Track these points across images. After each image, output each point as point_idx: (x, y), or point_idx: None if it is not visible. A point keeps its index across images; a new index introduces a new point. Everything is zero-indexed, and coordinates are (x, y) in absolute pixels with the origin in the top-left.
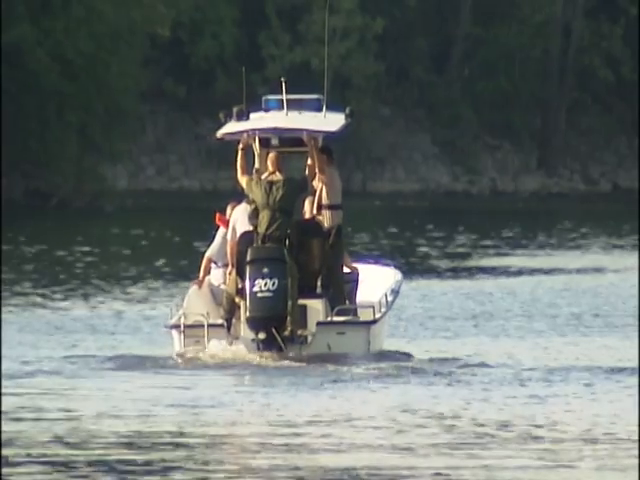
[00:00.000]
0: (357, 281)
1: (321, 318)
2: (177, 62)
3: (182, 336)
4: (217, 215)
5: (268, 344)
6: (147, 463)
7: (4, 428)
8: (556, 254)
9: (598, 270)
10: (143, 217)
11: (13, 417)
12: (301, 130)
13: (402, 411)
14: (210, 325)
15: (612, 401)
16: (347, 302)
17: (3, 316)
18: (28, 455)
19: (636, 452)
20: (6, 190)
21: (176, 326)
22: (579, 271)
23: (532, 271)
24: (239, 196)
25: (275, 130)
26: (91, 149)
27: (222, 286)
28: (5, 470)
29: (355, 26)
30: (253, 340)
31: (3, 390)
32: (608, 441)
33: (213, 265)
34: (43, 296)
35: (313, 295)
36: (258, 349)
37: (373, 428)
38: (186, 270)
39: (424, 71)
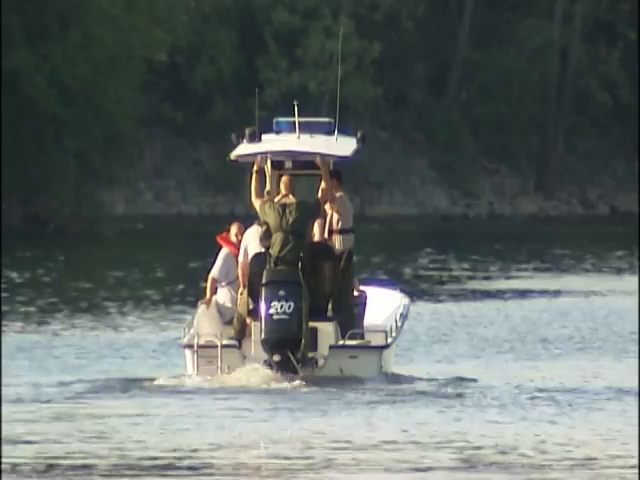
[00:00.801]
0: (365, 304)
1: (332, 341)
2: (175, 87)
3: (195, 356)
4: (218, 236)
5: (283, 366)
6: None
7: (13, 450)
8: (554, 277)
9: (596, 293)
10: (141, 242)
11: (18, 441)
12: (315, 154)
13: (406, 433)
14: (224, 346)
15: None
16: (356, 326)
17: (7, 340)
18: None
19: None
20: (4, 216)
21: (189, 346)
22: (577, 294)
23: (530, 294)
24: (240, 218)
25: (289, 153)
26: (89, 174)
27: (227, 304)
28: None
29: (352, 50)
30: (265, 361)
31: (18, 415)
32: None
33: (217, 285)
34: (43, 323)
35: (324, 318)
36: (271, 370)
37: (379, 450)
38: (184, 293)
39: (422, 95)
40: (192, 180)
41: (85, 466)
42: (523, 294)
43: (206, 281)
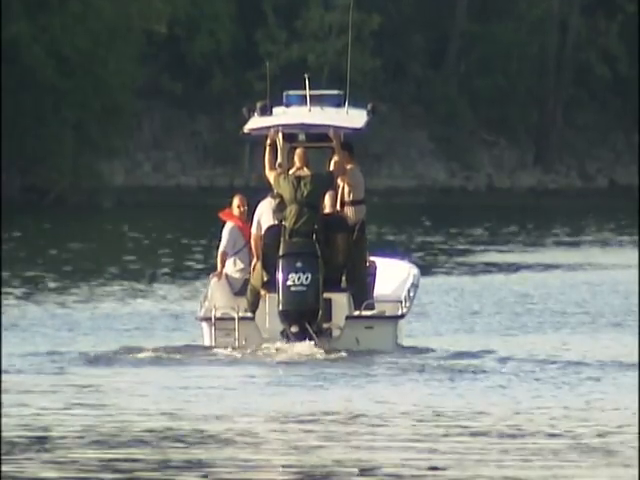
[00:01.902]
0: (374, 275)
1: (346, 312)
2: (174, 59)
3: (213, 328)
4: (221, 212)
5: (300, 337)
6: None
7: (24, 423)
8: (553, 250)
9: (596, 266)
10: (140, 214)
11: (32, 413)
12: (328, 126)
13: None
14: (240, 318)
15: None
16: (371, 297)
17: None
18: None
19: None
20: (3, 186)
21: (207, 319)
22: (576, 267)
23: (529, 267)
24: (240, 190)
25: (302, 126)
26: (88, 145)
27: (234, 275)
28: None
29: (351, 22)
30: (282, 332)
31: (29, 387)
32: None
33: (231, 260)
34: (44, 292)
35: (338, 289)
36: (287, 341)
37: (389, 425)
38: (185, 267)
39: (421, 67)
40: (191, 152)
41: (82, 437)
42: (522, 267)
43: (216, 257)
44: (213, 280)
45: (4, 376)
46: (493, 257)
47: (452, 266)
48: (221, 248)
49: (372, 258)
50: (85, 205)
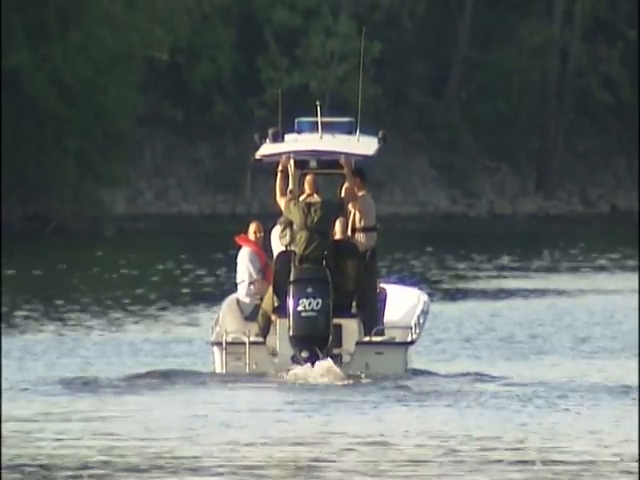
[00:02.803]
0: (384, 301)
1: (356, 338)
2: (175, 86)
3: (224, 353)
4: (237, 237)
5: (311, 361)
6: None
7: (22, 446)
8: (555, 276)
9: (598, 292)
10: (142, 241)
11: (33, 438)
12: (339, 153)
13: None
14: (251, 343)
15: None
16: (381, 323)
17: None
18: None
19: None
20: (4, 215)
21: (217, 343)
22: (578, 293)
23: (531, 293)
24: (241, 217)
25: (314, 152)
26: (89, 174)
27: (244, 299)
28: None
29: (352, 49)
30: (293, 357)
31: (33, 410)
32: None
33: (243, 285)
34: (52, 319)
35: (348, 315)
36: (300, 365)
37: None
38: (185, 295)
39: (422, 94)
40: (192, 179)
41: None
42: (524, 293)
43: (235, 281)
44: (224, 305)
45: (10, 403)
46: (495, 283)
47: (455, 292)
48: (239, 274)
49: (382, 285)
50: (87, 233)
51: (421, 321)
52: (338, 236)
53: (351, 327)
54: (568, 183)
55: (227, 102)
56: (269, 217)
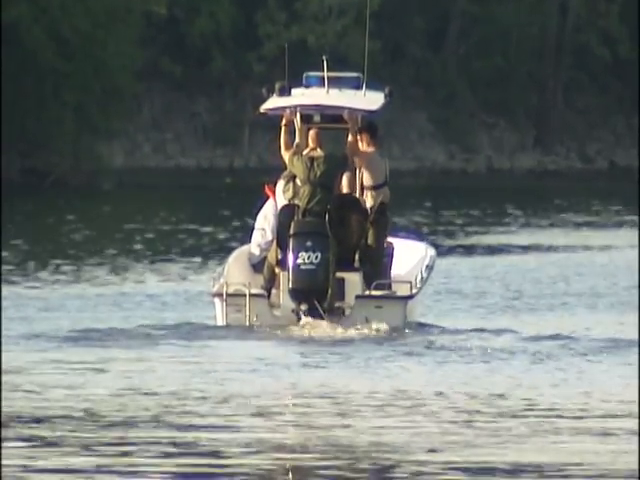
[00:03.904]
0: (392, 255)
1: (358, 291)
2: (173, 41)
3: (224, 304)
4: (267, 185)
5: (310, 314)
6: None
7: (27, 398)
8: (554, 232)
9: (597, 247)
10: (141, 195)
11: (39, 390)
12: (343, 108)
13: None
14: (252, 295)
15: None
16: (384, 277)
17: (12, 291)
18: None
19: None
20: (3, 169)
21: (218, 295)
22: (576, 249)
23: (530, 249)
24: (239, 171)
25: (317, 107)
26: (88, 127)
27: (253, 250)
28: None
29: (351, 3)
30: (293, 310)
31: (36, 365)
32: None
33: (258, 233)
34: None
35: (351, 268)
36: (298, 319)
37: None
38: (191, 247)
39: (420, 49)
40: (190, 133)
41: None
42: (523, 249)
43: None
44: (232, 256)
45: (11, 354)
46: (493, 239)
47: (454, 247)
48: (258, 222)
49: (389, 239)
50: (85, 187)
51: (424, 275)
52: (345, 190)
53: (353, 281)
54: (566, 139)
55: (225, 57)
56: (266, 171)
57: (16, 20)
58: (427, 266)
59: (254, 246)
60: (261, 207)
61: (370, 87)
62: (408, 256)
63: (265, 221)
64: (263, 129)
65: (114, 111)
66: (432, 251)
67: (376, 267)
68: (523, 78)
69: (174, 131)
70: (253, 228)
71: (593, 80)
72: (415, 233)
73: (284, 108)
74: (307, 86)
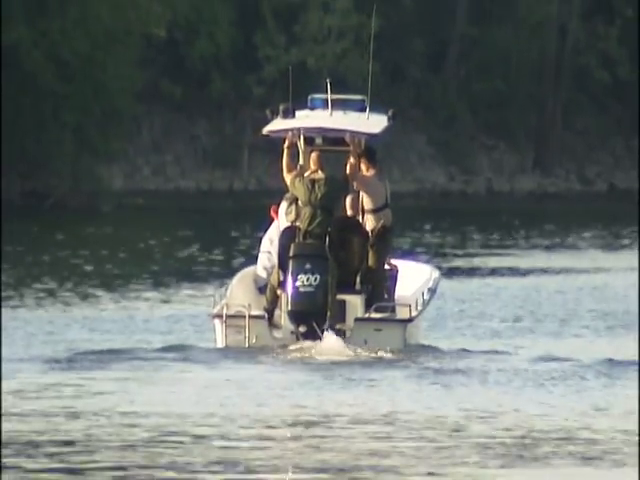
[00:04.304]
0: (396, 278)
1: (359, 314)
2: (173, 62)
3: (224, 326)
4: (272, 207)
5: (308, 336)
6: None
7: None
8: (553, 254)
9: (597, 270)
10: (140, 217)
11: (43, 414)
12: (345, 131)
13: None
14: (251, 316)
15: None
16: (385, 299)
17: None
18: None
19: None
20: (2, 191)
21: (218, 316)
22: (575, 271)
23: (529, 271)
24: (238, 193)
25: (319, 130)
26: (87, 149)
27: (259, 272)
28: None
29: (350, 26)
30: (293, 332)
31: (36, 388)
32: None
33: (264, 256)
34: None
35: (352, 291)
36: (298, 340)
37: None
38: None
39: (420, 71)
40: (190, 155)
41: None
42: (523, 271)
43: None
44: (237, 277)
45: (15, 379)
46: (492, 261)
47: (453, 269)
48: (263, 244)
49: (394, 261)
50: (85, 209)
51: (425, 298)
52: (349, 212)
53: (354, 303)
54: (566, 161)
55: (225, 79)
56: (266, 194)
57: (16, 42)
58: (429, 289)
59: (260, 269)
60: (267, 229)
61: (373, 110)
62: (412, 279)
63: (271, 244)
64: (262, 152)
65: (113, 133)
66: (436, 273)
67: (377, 289)
68: (523, 100)
69: (174, 153)
70: (259, 251)
71: (592, 102)
72: (418, 255)
73: (286, 130)
74: (312, 108)
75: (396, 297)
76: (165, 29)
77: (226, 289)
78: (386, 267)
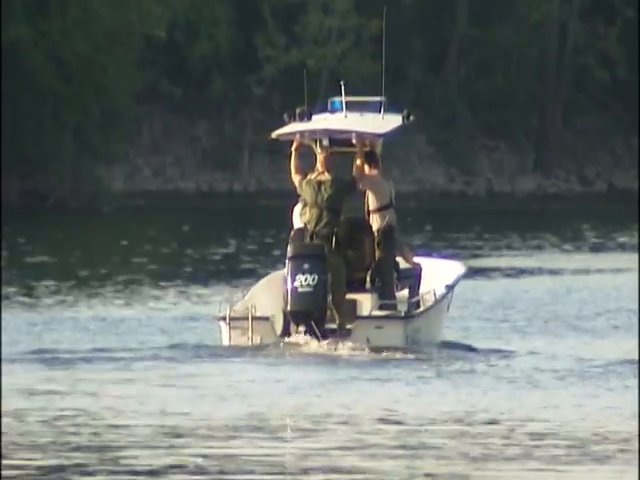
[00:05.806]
0: (419, 276)
1: (369, 312)
2: (173, 63)
3: (228, 328)
4: (290, 209)
5: (308, 336)
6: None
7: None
8: (554, 255)
9: (597, 270)
10: (140, 218)
11: (44, 416)
12: (350, 132)
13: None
14: (255, 318)
15: None
16: (395, 298)
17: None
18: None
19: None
20: (2, 191)
21: (222, 318)
22: (576, 272)
23: (530, 272)
24: (238, 195)
25: (325, 132)
26: (87, 150)
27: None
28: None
29: (351, 27)
30: (282, 332)
31: (52, 385)
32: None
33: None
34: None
35: (363, 290)
36: (298, 340)
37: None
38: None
39: (420, 71)
40: (190, 156)
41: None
42: (523, 272)
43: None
44: (264, 279)
45: (14, 377)
46: (492, 262)
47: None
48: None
49: (417, 259)
50: (85, 210)
51: (437, 295)
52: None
53: (366, 302)
54: (566, 161)
55: (225, 79)
56: (266, 195)
57: (16, 40)
58: (446, 285)
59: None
60: (289, 232)
61: (391, 110)
62: (433, 276)
63: None
64: (262, 152)
65: (113, 134)
66: (462, 269)
67: (386, 288)
68: (523, 100)
69: (174, 154)
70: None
71: (592, 101)
72: (446, 253)
73: (294, 133)
74: (332, 111)
75: (420, 294)
76: (165, 30)
77: (245, 291)
78: (408, 265)
